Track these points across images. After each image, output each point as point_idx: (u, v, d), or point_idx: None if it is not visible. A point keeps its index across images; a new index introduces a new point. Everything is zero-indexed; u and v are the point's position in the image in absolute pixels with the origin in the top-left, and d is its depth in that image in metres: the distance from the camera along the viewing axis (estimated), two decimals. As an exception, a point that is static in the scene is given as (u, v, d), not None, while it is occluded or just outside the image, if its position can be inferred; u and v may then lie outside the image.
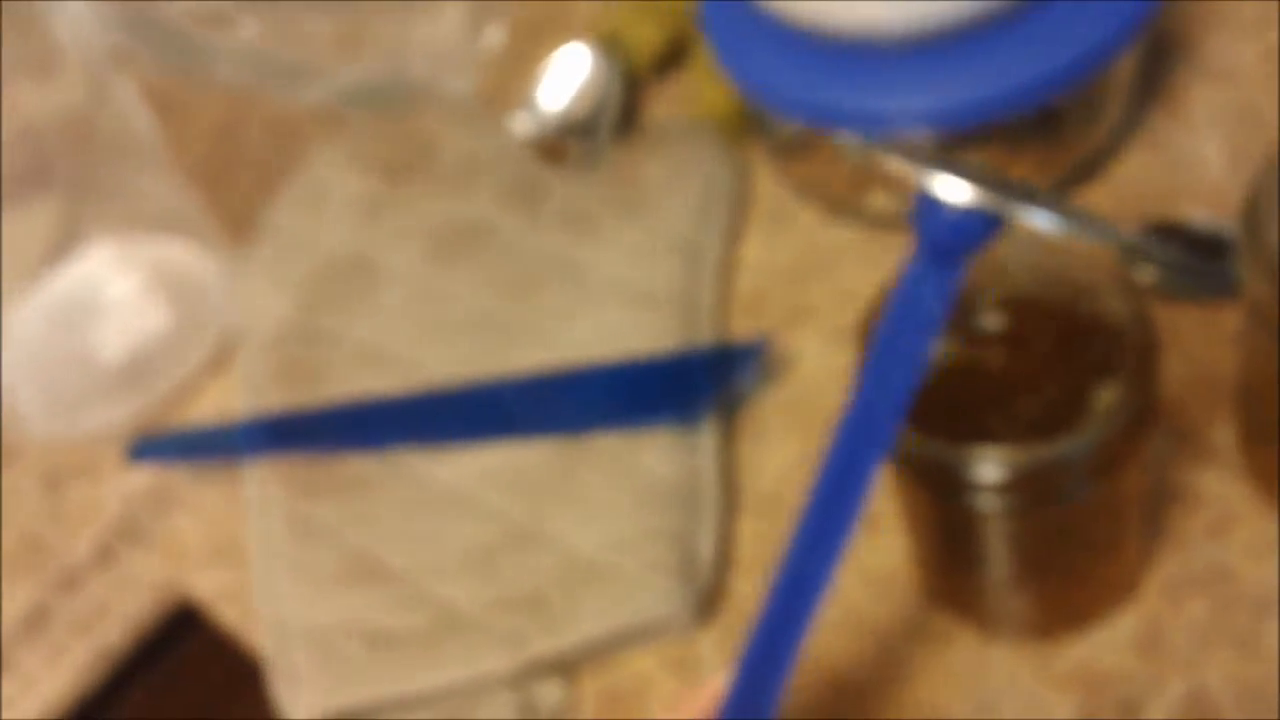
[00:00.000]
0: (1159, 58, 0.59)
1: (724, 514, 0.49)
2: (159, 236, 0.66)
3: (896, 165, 0.33)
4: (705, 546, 0.48)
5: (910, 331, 0.32)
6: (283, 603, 0.50)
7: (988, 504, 0.36)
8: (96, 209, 0.65)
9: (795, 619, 0.34)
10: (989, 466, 0.35)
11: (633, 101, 0.67)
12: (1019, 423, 0.36)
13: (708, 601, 0.47)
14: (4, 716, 0.55)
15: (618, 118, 0.65)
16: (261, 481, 0.54)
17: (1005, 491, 0.35)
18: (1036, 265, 0.38)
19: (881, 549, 0.47)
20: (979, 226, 0.31)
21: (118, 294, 0.64)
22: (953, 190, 0.31)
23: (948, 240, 0.32)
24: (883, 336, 0.33)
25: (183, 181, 0.64)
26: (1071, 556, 0.39)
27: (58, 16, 0.59)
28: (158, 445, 0.57)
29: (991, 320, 0.39)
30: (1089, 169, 0.55)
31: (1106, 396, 0.36)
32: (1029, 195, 0.31)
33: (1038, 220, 0.30)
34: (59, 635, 0.56)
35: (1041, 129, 0.52)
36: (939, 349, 0.38)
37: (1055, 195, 0.34)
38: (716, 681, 0.35)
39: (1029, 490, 0.35)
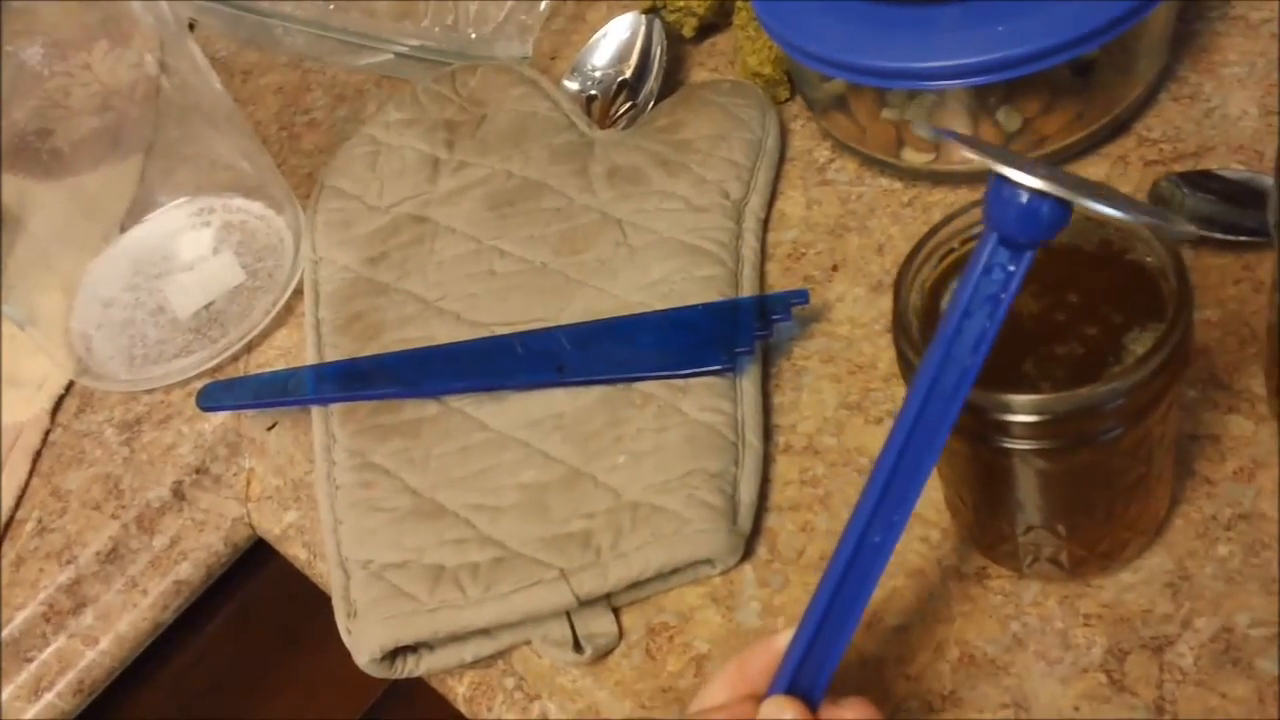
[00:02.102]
0: (1194, 11, 0.56)
1: (764, 458, 0.48)
2: (230, 196, 0.65)
3: (969, 154, 0.33)
4: (746, 489, 0.47)
5: (979, 314, 0.32)
6: (347, 541, 0.49)
7: (1023, 447, 0.34)
8: (171, 170, 0.65)
9: (865, 576, 0.34)
10: (1025, 411, 0.33)
11: (678, 64, 0.66)
12: (1055, 367, 0.35)
13: (748, 541, 0.46)
14: (83, 649, 0.55)
15: (664, 80, 0.64)
16: (327, 426, 0.53)
17: (1041, 435, 0.34)
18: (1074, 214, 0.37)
19: (917, 491, 0.46)
20: (1049, 217, 0.31)
21: (191, 251, 0.64)
22: (1024, 181, 0.31)
23: (1018, 230, 0.32)
24: (953, 319, 0.32)
25: (251, 144, 0.64)
26: (1103, 498, 0.38)
27: (130, -14, 0.58)
28: (227, 393, 0.57)
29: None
30: (1125, 121, 0.53)
31: (1142, 342, 0.34)
32: (1093, 189, 0.31)
33: (1103, 210, 0.31)
34: (136, 571, 0.56)
35: (1079, 82, 0.51)
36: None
37: (1113, 190, 0.33)
38: (780, 640, 0.35)
39: (1064, 433, 0.34)
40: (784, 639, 0.35)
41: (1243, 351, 0.45)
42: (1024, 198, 0.31)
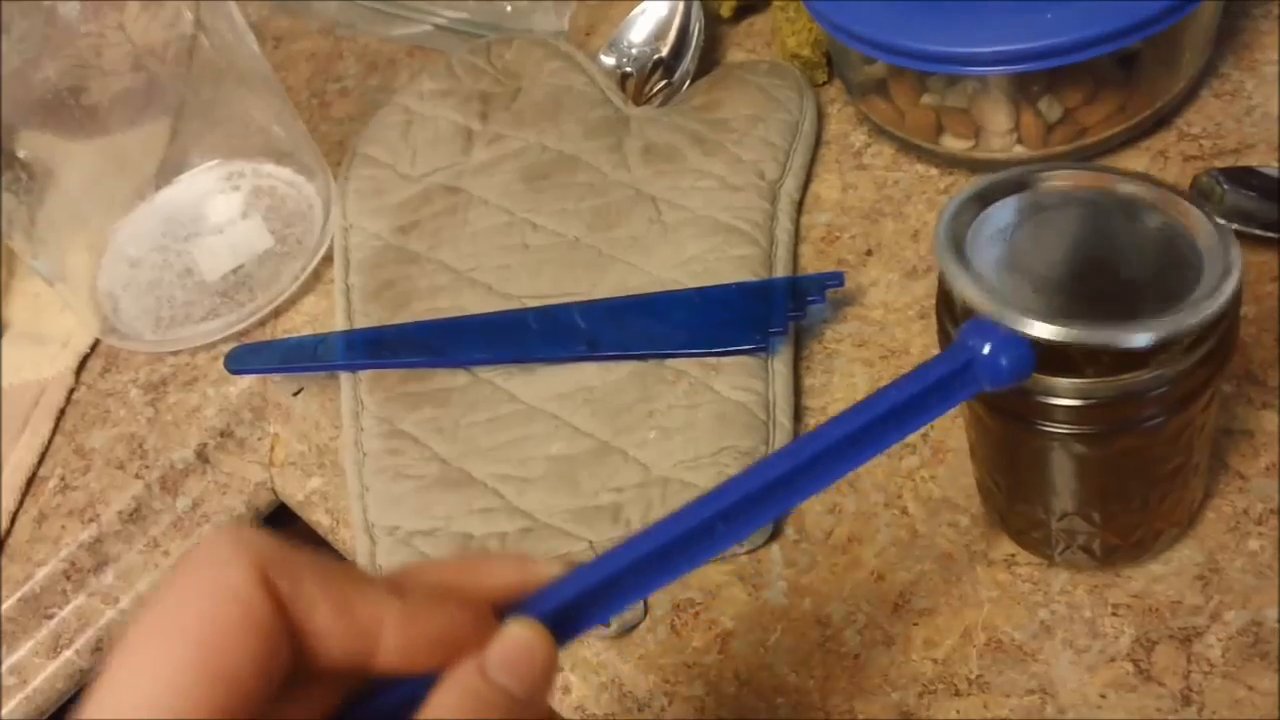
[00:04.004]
0: (1238, 8, 0.57)
1: (794, 438, 0.49)
2: (261, 161, 0.66)
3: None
4: (776, 468, 0.47)
5: (933, 407, 0.33)
6: (374, 507, 0.50)
7: (1064, 431, 0.35)
8: (203, 133, 0.65)
9: (689, 555, 0.30)
10: (1069, 395, 0.34)
11: (714, 42, 0.66)
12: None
13: (775, 520, 0.47)
14: (103, 607, 0.56)
15: (700, 59, 0.64)
16: (355, 392, 0.54)
17: (1083, 420, 0.34)
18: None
19: (944, 476, 0.46)
20: (1026, 365, 0.32)
21: (221, 214, 0.64)
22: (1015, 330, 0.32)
23: (993, 377, 0.32)
24: (902, 396, 0.32)
25: (285, 109, 0.64)
26: (1140, 486, 0.38)
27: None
28: (255, 357, 0.57)
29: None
30: (1166, 115, 0.54)
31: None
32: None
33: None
34: (158, 532, 0.57)
35: (1122, 74, 0.51)
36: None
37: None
38: (540, 570, 0.29)
39: (1106, 419, 0.34)
40: (546, 571, 0.29)
41: (1278, 348, 0.46)
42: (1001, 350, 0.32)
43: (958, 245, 0.35)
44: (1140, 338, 0.31)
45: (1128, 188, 0.36)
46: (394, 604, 0.26)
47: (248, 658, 0.25)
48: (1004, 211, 0.36)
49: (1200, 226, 0.34)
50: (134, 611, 0.56)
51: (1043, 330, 0.32)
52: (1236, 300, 0.33)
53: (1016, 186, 0.36)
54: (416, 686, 0.27)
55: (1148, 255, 0.34)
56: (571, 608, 0.28)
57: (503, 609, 0.28)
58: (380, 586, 0.27)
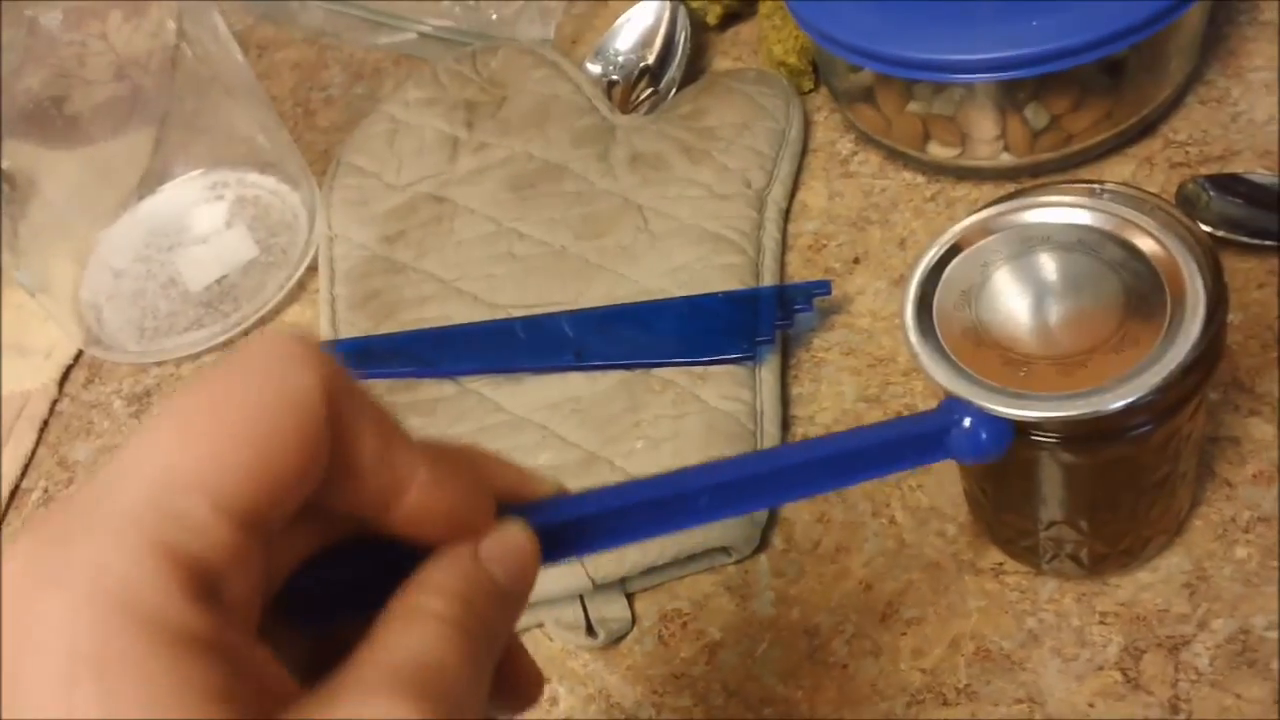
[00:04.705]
0: (1223, 15, 0.57)
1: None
2: (245, 170, 0.66)
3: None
4: (764, 478, 0.47)
5: (904, 461, 0.33)
6: (358, 518, 0.50)
7: (1052, 440, 0.35)
8: (187, 142, 0.65)
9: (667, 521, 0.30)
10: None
11: (700, 50, 0.67)
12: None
13: (764, 531, 0.47)
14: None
15: (686, 67, 0.64)
16: (339, 404, 0.54)
17: (1070, 429, 0.34)
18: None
19: (932, 485, 0.46)
20: (1002, 442, 0.33)
21: (205, 224, 0.64)
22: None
23: (969, 453, 0.33)
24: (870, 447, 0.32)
25: (269, 118, 0.64)
26: (1128, 495, 0.38)
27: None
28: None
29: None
30: (1152, 122, 0.54)
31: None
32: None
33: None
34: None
35: (1109, 81, 0.51)
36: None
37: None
38: (539, 486, 0.29)
39: (1091, 429, 0.34)
40: (543, 486, 0.29)
41: (1265, 355, 0.46)
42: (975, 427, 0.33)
43: (925, 313, 0.35)
44: (1115, 404, 0.32)
45: (1098, 214, 0.36)
46: (425, 467, 0.26)
47: (292, 470, 0.23)
48: (969, 265, 0.36)
49: (1175, 246, 0.34)
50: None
51: (1016, 412, 0.33)
52: (1217, 316, 0.33)
53: (982, 232, 0.36)
54: (369, 565, 0.27)
55: (1122, 285, 0.34)
56: (558, 530, 0.29)
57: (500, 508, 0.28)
58: (418, 447, 0.26)
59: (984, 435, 0.33)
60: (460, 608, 0.25)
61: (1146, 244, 0.35)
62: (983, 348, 0.34)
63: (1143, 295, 0.34)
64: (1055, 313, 0.35)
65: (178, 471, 0.22)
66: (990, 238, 0.36)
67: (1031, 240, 0.36)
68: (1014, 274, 0.35)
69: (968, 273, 0.36)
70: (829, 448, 0.32)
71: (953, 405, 0.33)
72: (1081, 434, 0.35)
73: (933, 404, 0.34)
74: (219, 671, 0.21)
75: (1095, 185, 0.37)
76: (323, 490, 0.25)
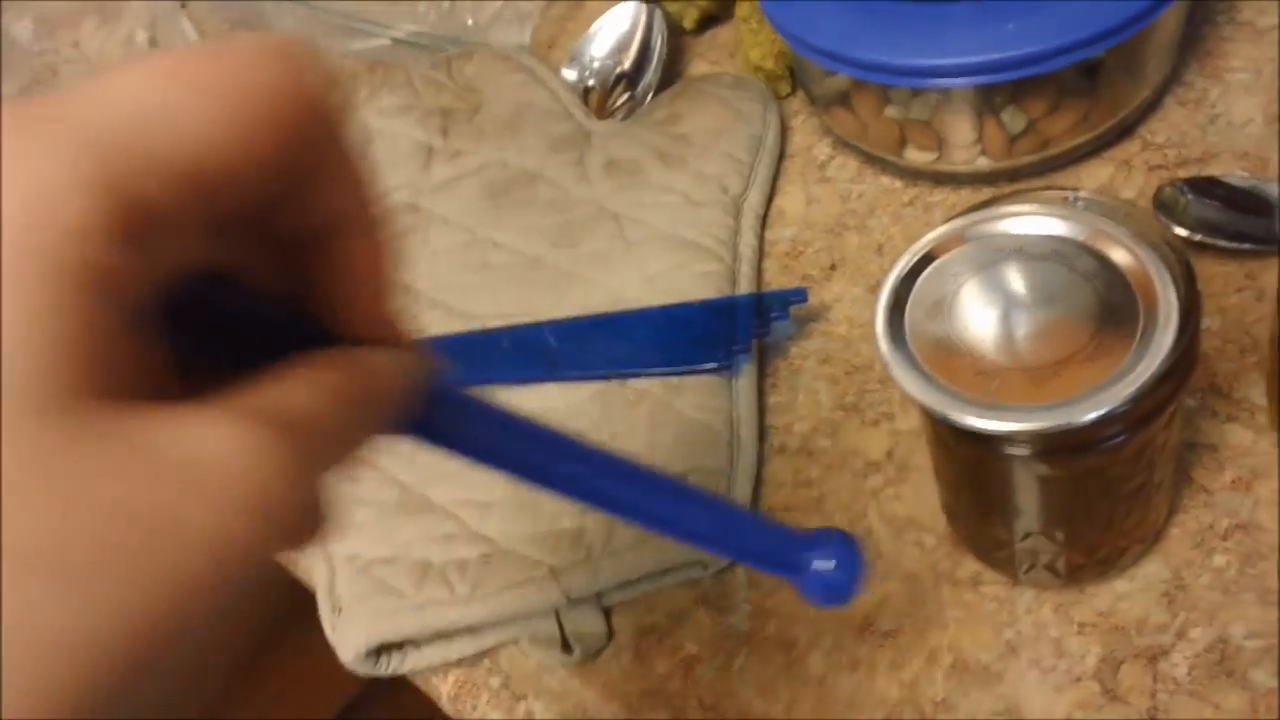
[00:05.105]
0: (1200, 15, 0.57)
1: (758, 458, 0.48)
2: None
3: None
4: (741, 489, 0.47)
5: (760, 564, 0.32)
6: (332, 534, 0.49)
7: (1025, 452, 0.35)
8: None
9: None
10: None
11: (677, 55, 0.66)
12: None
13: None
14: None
15: (663, 72, 0.64)
16: (313, 417, 0.53)
17: (1043, 440, 0.34)
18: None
19: (910, 495, 0.46)
20: (845, 597, 0.31)
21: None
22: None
23: (817, 598, 0.32)
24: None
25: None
26: (1104, 505, 0.38)
27: (122, -37, 0.58)
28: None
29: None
30: (1130, 125, 0.54)
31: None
32: None
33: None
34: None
35: (1086, 84, 0.51)
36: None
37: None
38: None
39: (1065, 440, 0.34)
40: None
41: (1243, 360, 0.46)
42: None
43: (898, 324, 0.35)
44: (1088, 416, 0.32)
45: (1072, 225, 0.35)
46: (382, 260, 0.25)
47: (252, 161, 0.22)
48: (942, 275, 0.36)
49: (1148, 256, 0.34)
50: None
51: (988, 424, 0.32)
52: (1190, 326, 0.33)
53: (955, 242, 0.36)
54: (263, 312, 0.24)
55: (1095, 296, 0.34)
56: (446, 400, 0.28)
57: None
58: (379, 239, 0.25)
59: (828, 586, 0.31)
60: (357, 387, 0.24)
61: (1119, 255, 0.34)
62: (955, 358, 0.34)
63: (1115, 306, 0.34)
64: (1028, 323, 0.34)
65: (151, 109, 0.21)
66: (963, 247, 0.36)
67: (1004, 251, 0.36)
68: (986, 285, 0.35)
69: (940, 283, 0.36)
70: (711, 516, 0.31)
71: (817, 541, 0.32)
72: (1055, 445, 0.35)
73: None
74: (110, 311, 0.20)
75: (1070, 193, 0.37)
76: (262, 208, 0.23)
